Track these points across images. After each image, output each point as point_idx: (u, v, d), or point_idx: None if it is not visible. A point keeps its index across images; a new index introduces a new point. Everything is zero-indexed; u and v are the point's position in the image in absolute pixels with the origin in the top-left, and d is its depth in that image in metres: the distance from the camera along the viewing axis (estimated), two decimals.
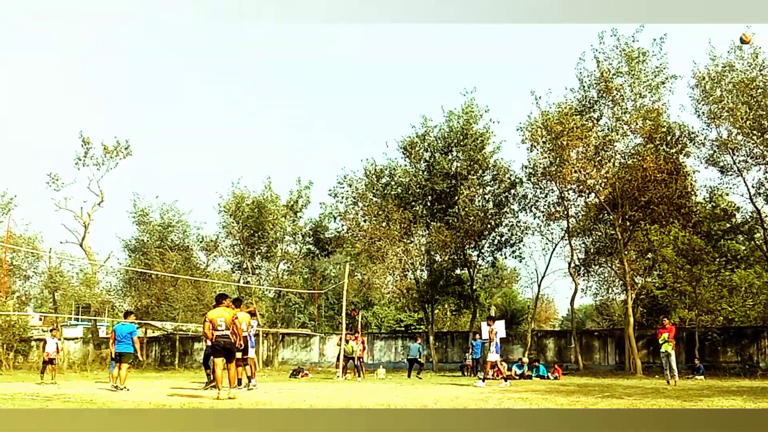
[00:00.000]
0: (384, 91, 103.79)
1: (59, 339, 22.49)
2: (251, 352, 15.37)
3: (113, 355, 16.28)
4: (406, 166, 31.00)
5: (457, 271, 33.04)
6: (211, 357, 12.35)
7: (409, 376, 24.12)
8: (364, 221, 31.06)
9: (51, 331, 22.67)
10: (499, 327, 26.34)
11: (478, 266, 31.82)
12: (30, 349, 35.60)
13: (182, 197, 66.29)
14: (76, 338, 39.00)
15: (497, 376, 19.60)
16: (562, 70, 65.01)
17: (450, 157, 29.88)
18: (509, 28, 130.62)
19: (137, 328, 17.71)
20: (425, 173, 30.46)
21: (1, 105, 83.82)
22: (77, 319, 40.54)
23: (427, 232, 30.46)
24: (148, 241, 35.37)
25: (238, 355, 14.34)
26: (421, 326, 37.61)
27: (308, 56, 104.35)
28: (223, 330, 11.91)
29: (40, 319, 42.98)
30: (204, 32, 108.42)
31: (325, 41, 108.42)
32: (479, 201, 30.05)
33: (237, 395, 11.90)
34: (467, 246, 30.38)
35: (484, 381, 17.22)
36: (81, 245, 35.09)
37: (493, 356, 17.57)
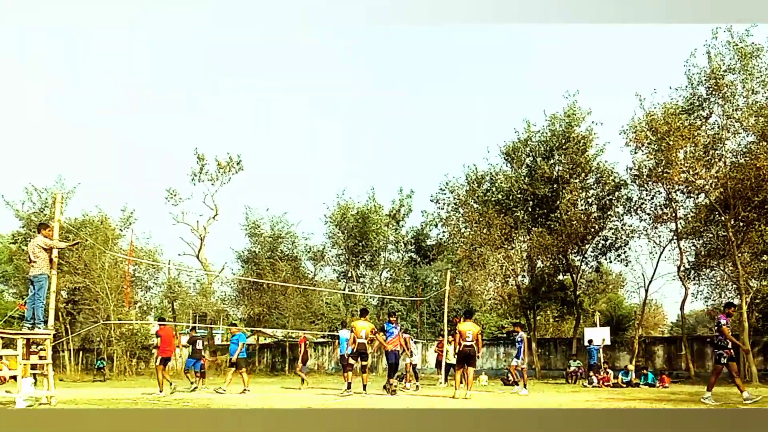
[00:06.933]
0: (486, 96, 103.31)
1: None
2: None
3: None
4: (507, 171, 30.97)
5: (560, 277, 32.60)
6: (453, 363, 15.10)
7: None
8: (465, 228, 31.32)
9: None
10: (603, 334, 26.50)
11: (581, 271, 31.25)
12: (151, 356, 37.76)
13: (291, 208, 68.43)
14: None
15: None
16: (666, 70, 62.67)
17: (552, 161, 29.65)
18: (610, 29, 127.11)
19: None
20: (527, 178, 30.28)
21: (121, 123, 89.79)
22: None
23: (529, 237, 30.23)
24: (259, 252, 36.85)
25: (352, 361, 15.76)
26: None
27: (409, 61, 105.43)
28: (470, 341, 14.21)
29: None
30: (301, 44, 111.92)
31: (429, 45, 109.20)
32: (582, 205, 29.50)
33: (471, 396, 14.12)
34: (570, 251, 29.98)
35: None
36: (197, 257, 37.07)
37: (515, 361, 18.90)
